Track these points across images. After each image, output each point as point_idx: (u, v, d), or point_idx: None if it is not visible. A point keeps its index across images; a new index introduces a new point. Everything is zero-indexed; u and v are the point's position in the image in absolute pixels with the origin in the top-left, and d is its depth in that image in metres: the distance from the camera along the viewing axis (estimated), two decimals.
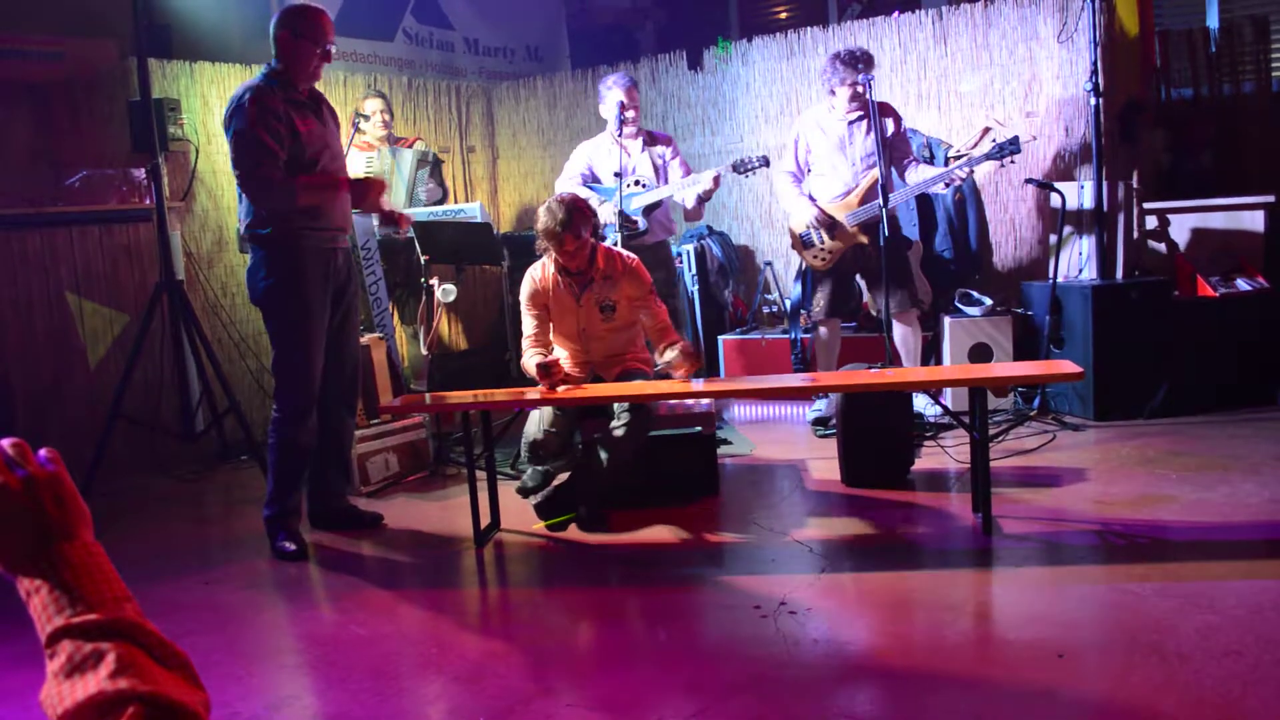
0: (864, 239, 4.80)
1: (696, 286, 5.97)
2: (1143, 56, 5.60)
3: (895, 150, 4.86)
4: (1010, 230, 5.86)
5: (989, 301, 5.23)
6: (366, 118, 5.64)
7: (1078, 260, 5.30)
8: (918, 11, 6.01)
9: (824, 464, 4.50)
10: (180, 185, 5.56)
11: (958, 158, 5.36)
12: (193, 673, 0.92)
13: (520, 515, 4.05)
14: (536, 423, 3.92)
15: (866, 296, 5.59)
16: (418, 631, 3.04)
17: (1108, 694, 2.32)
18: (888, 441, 4.12)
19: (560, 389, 3.73)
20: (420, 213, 5.56)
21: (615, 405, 3.90)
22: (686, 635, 2.88)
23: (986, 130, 5.41)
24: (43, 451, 0.98)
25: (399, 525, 4.08)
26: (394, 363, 5.09)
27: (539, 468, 4.28)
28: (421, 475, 4.81)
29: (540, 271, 4.08)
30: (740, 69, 6.63)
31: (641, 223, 4.94)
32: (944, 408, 4.02)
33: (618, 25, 9.01)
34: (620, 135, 4.97)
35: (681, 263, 5.87)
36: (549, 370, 3.75)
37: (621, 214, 4.82)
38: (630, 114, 4.98)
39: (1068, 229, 5.26)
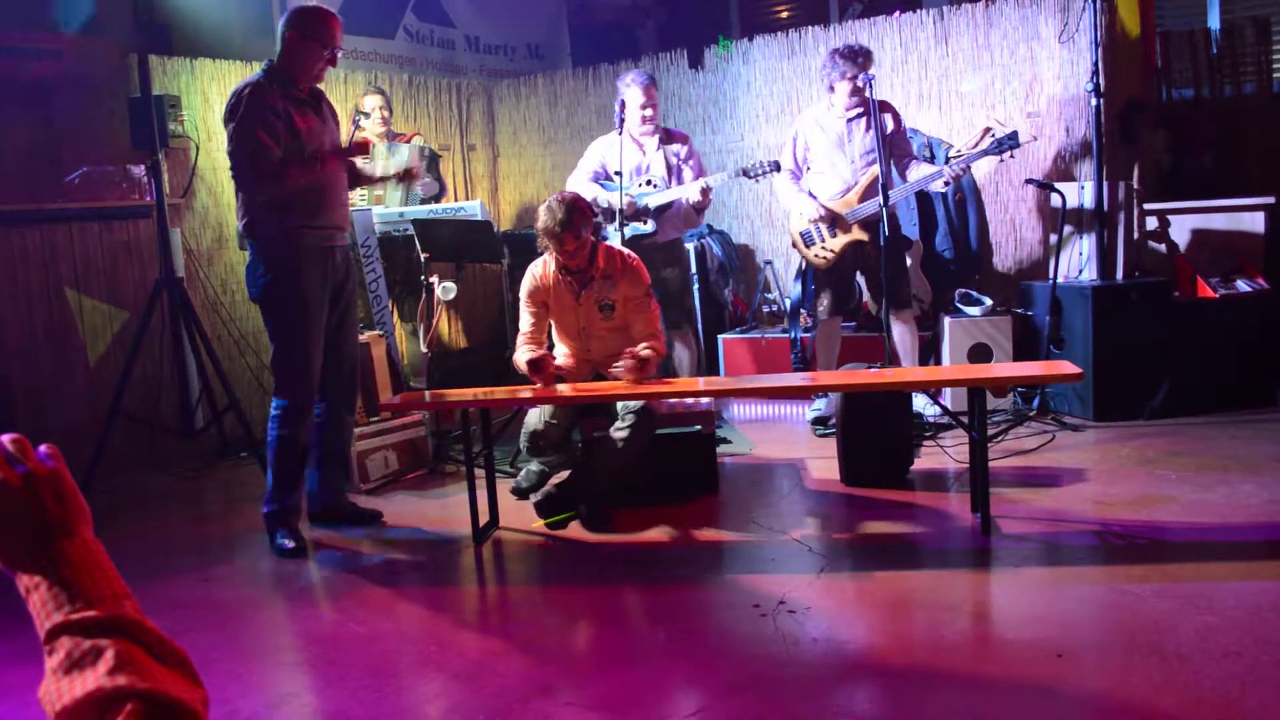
0: (864, 236, 4.80)
1: (697, 285, 5.97)
2: (1144, 57, 5.60)
3: (895, 148, 4.85)
4: (1010, 230, 5.86)
5: (989, 301, 5.23)
6: (367, 115, 5.63)
7: (1078, 260, 5.30)
8: (919, 11, 6.00)
9: (823, 463, 4.50)
10: (180, 182, 5.55)
11: (959, 158, 5.36)
12: (192, 670, 0.92)
13: (519, 513, 4.05)
14: (537, 414, 3.93)
15: (866, 295, 5.59)
16: (417, 629, 3.04)
17: (1107, 694, 2.32)
18: (887, 441, 4.12)
19: (560, 386, 3.73)
20: (420, 210, 5.56)
21: (619, 407, 3.90)
22: (686, 634, 2.88)
23: (987, 130, 5.40)
24: (43, 448, 0.98)
25: (398, 523, 4.09)
26: (394, 360, 5.08)
27: (534, 469, 4.28)
28: (421, 473, 4.81)
29: (541, 269, 4.08)
30: (741, 68, 6.63)
31: (650, 224, 4.92)
32: (943, 408, 4.03)
33: (619, 23, 9.01)
34: (620, 132, 4.96)
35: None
36: (539, 366, 3.75)
37: (634, 207, 4.82)
38: (648, 112, 4.96)
39: (1068, 229, 5.25)
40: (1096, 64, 4.99)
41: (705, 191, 4.82)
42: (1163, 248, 5.41)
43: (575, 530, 3.84)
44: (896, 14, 6.05)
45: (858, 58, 4.71)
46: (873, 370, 4.14)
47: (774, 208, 6.58)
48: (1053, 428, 4.84)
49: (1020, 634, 2.69)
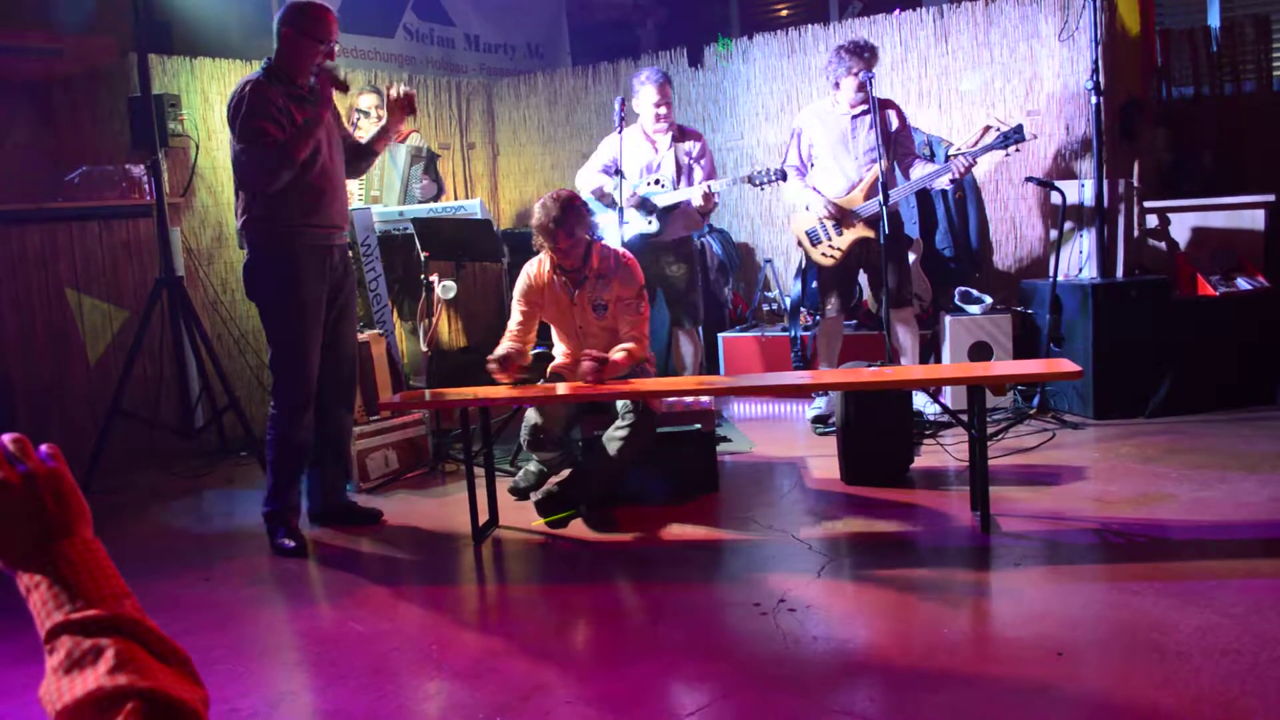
0: (870, 234, 4.79)
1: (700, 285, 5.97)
2: (1144, 55, 5.60)
3: (899, 146, 4.85)
4: (1010, 228, 5.86)
5: (989, 300, 5.23)
6: (366, 114, 5.63)
7: (1078, 259, 5.30)
8: (918, 9, 6.00)
9: (823, 462, 4.50)
10: (180, 181, 5.56)
11: (963, 153, 5.36)
12: (192, 669, 0.92)
13: (519, 512, 4.05)
14: (537, 409, 3.93)
15: (866, 294, 5.59)
16: (417, 628, 3.04)
17: (1107, 692, 2.32)
18: (887, 440, 4.12)
19: (559, 385, 3.73)
20: (420, 209, 5.55)
21: (618, 406, 3.90)
22: (686, 632, 2.88)
23: (987, 128, 5.40)
24: (43, 447, 0.98)
25: (398, 522, 4.08)
26: (393, 359, 5.08)
27: (532, 468, 4.28)
28: (421, 472, 4.81)
29: (536, 268, 4.08)
30: (741, 66, 6.63)
31: (655, 223, 4.91)
32: (943, 406, 4.02)
33: (618, 22, 9.01)
34: (619, 131, 4.96)
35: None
36: (504, 362, 3.74)
37: (643, 202, 4.82)
38: (662, 110, 4.94)
39: (1068, 227, 5.26)
40: (1096, 62, 4.99)
41: (708, 197, 4.80)
42: (1163, 246, 5.41)
43: (575, 529, 3.84)
44: (896, 12, 6.05)
45: (863, 54, 4.70)
46: (873, 369, 4.15)
47: (774, 206, 6.58)
48: (1053, 426, 4.84)
49: (1020, 632, 2.69)
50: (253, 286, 3.76)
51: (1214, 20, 6.38)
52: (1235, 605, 2.70)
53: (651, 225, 4.92)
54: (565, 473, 4.08)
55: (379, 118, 5.75)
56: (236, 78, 5.71)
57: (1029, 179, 5.34)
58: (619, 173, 4.87)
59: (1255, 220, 5.24)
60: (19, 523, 0.93)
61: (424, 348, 5.12)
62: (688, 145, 5.01)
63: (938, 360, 5.32)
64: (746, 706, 2.38)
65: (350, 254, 4.10)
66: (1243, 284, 5.05)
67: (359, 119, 5.56)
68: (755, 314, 6.54)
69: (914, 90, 5.97)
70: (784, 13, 8.82)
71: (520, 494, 4.25)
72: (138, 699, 0.84)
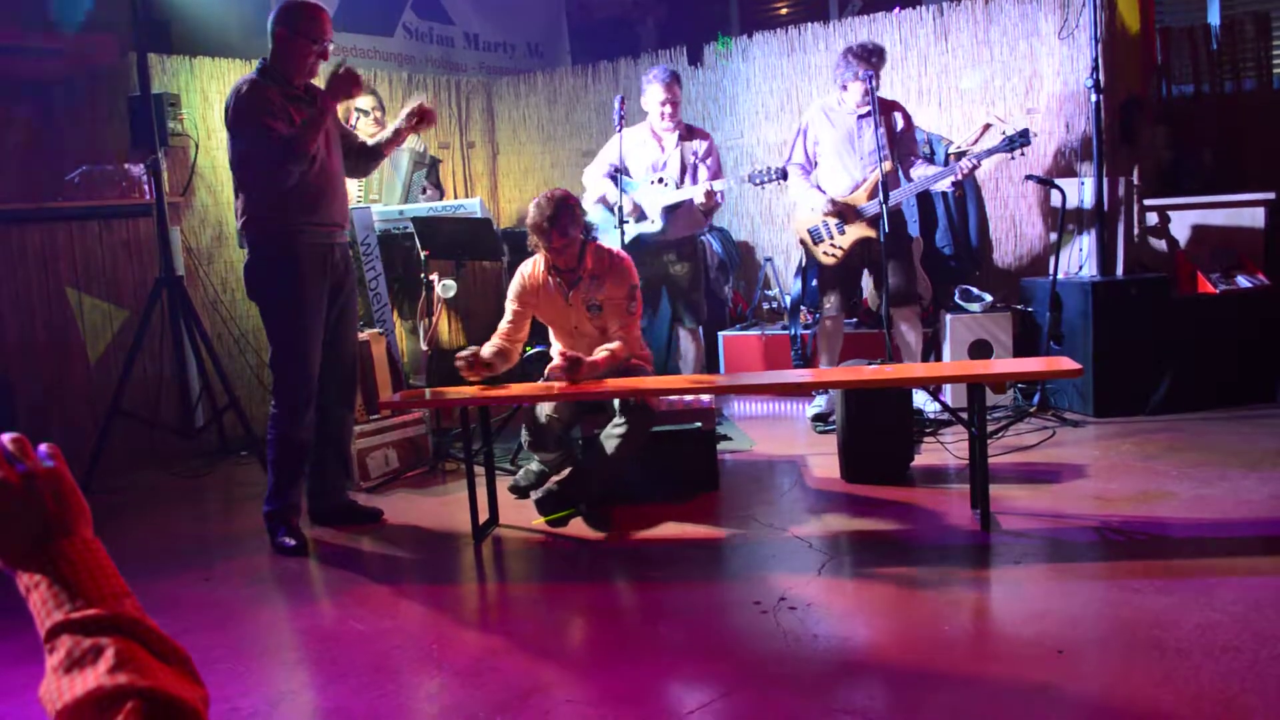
0: (873, 233, 4.79)
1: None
2: (1144, 53, 5.59)
3: (903, 147, 4.85)
4: (1010, 227, 5.86)
5: (989, 298, 5.23)
6: (365, 113, 5.62)
7: (1078, 257, 5.30)
8: (918, 7, 6.00)
9: (824, 460, 4.50)
10: (180, 180, 5.55)
11: (959, 154, 5.36)
12: (192, 668, 0.92)
13: (519, 511, 4.05)
14: (540, 407, 3.93)
15: (867, 292, 5.59)
16: (417, 627, 3.04)
17: (1107, 690, 2.32)
18: (887, 438, 4.12)
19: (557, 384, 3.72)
20: (420, 208, 5.55)
21: (616, 404, 3.90)
22: (686, 631, 2.89)
23: (987, 126, 5.40)
24: (43, 447, 0.98)
25: (398, 521, 4.09)
26: (394, 358, 5.09)
27: (533, 467, 4.28)
28: (421, 471, 4.81)
29: (531, 268, 4.08)
30: (740, 65, 6.63)
31: (658, 223, 4.90)
32: (943, 404, 4.02)
33: (618, 21, 9.00)
34: (619, 129, 4.95)
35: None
36: (469, 361, 3.73)
37: (638, 210, 4.82)
38: (668, 109, 4.91)
39: (1068, 225, 5.25)
40: (1096, 60, 4.98)
41: (709, 195, 4.79)
42: (1163, 244, 5.40)
43: (574, 527, 3.84)
44: (896, 10, 6.05)
45: (871, 58, 4.70)
46: (873, 367, 4.15)
47: (774, 205, 6.58)
48: (1053, 423, 4.84)
49: (1020, 630, 2.70)
50: (254, 286, 3.75)
51: (1214, 18, 6.37)
52: (1235, 603, 2.70)
53: (654, 224, 4.91)
54: (565, 471, 4.08)
55: (376, 118, 5.75)
56: (236, 77, 5.72)
57: (1029, 177, 5.34)
58: (619, 173, 4.86)
59: (1255, 218, 5.24)
60: (19, 522, 0.93)
61: (424, 347, 5.12)
62: (694, 144, 5.00)
63: (938, 358, 5.32)
64: (747, 705, 2.38)
65: (350, 253, 4.10)
66: (1243, 282, 5.05)
67: (357, 119, 5.55)
68: (755, 312, 6.54)
69: (914, 88, 5.97)
70: (784, 11, 8.81)
71: (520, 493, 4.25)
72: (138, 698, 0.84)
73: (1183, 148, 5.74)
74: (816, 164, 4.98)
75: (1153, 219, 5.41)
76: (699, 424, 4.21)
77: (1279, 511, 3.45)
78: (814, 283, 5.29)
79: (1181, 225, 5.36)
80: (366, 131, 5.69)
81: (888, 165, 4.63)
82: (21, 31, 5.50)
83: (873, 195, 4.72)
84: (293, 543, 3.74)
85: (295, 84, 3.66)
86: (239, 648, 2.93)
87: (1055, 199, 5.25)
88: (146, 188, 5.26)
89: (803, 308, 5.79)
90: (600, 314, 4.00)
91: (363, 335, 4.57)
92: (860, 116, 4.83)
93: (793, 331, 5.81)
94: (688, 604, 3.09)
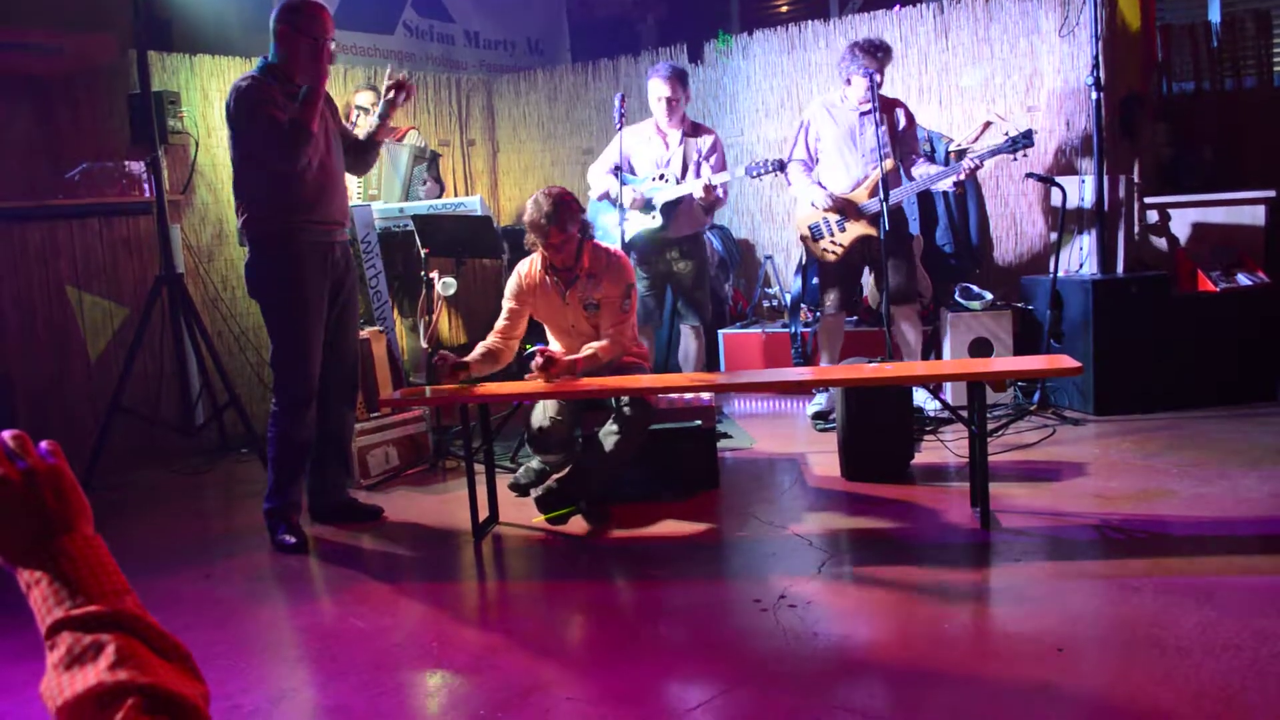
0: (873, 231, 4.78)
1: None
2: (1144, 51, 5.59)
3: (904, 145, 4.84)
4: (1011, 225, 5.86)
5: (989, 296, 5.23)
6: (365, 110, 5.63)
7: (1078, 255, 5.30)
8: (919, 5, 5.99)
9: (824, 458, 4.50)
10: (180, 178, 5.55)
11: (959, 152, 5.36)
12: (193, 665, 0.92)
13: (519, 509, 4.05)
14: (541, 411, 3.93)
15: (868, 290, 5.59)
16: (417, 624, 3.04)
17: (1107, 688, 2.32)
18: (887, 436, 4.12)
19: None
20: (420, 206, 5.55)
21: (613, 403, 3.90)
22: (686, 629, 2.89)
23: (988, 124, 5.40)
24: (43, 444, 0.98)
25: (399, 518, 4.09)
26: (394, 356, 5.09)
27: (534, 465, 4.28)
28: (421, 468, 4.82)
29: (528, 268, 4.07)
30: (741, 62, 6.62)
31: (658, 220, 4.89)
32: (943, 402, 4.02)
33: (619, 18, 9.00)
34: (620, 127, 4.95)
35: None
36: (443, 363, 3.72)
37: (646, 203, 4.81)
38: (665, 104, 4.90)
39: (1068, 224, 5.25)
40: (1097, 58, 4.98)
41: (708, 190, 4.76)
42: (1163, 242, 5.40)
43: (575, 525, 3.84)
44: (896, 8, 6.04)
45: (877, 53, 4.69)
46: (873, 365, 4.14)
47: (774, 203, 6.58)
48: (1053, 422, 4.84)
49: (1020, 628, 2.70)
50: (254, 284, 3.75)
51: (1214, 15, 6.37)
52: (1236, 601, 2.70)
53: (655, 220, 4.90)
54: (565, 469, 4.08)
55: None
56: (236, 74, 5.72)
57: (1029, 175, 5.34)
58: (619, 170, 4.86)
59: (1256, 216, 5.24)
60: (19, 519, 0.93)
61: (424, 344, 5.11)
62: (699, 141, 4.98)
63: (938, 356, 5.32)
64: (747, 703, 2.38)
65: (351, 251, 4.10)
66: (1243, 280, 5.05)
67: (358, 116, 5.55)
68: (756, 310, 6.54)
69: (914, 86, 5.97)
70: (784, 8, 8.81)
71: (520, 490, 4.25)
72: (138, 694, 0.84)
73: (1183, 145, 5.74)
74: (818, 160, 4.97)
75: (1153, 217, 5.41)
76: (699, 422, 4.21)
77: (1279, 510, 3.45)
78: (814, 280, 5.28)
79: (1182, 223, 5.36)
80: (367, 129, 5.69)
81: (889, 163, 4.63)
82: (22, 29, 5.50)
83: (873, 193, 4.71)
84: (293, 540, 3.74)
85: (297, 82, 3.65)
86: (239, 645, 2.94)
87: (1056, 197, 5.25)
88: (147, 185, 5.26)
89: (803, 305, 5.79)
90: (597, 312, 4.00)
91: (363, 333, 4.58)
92: (862, 113, 4.82)
93: (793, 329, 5.81)
94: (688, 602, 3.09)
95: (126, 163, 5.40)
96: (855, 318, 5.59)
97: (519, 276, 4.07)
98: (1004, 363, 4.62)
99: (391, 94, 3.89)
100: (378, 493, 4.47)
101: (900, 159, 4.84)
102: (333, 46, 3.68)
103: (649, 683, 2.55)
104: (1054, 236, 5.25)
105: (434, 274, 5.12)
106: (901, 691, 2.44)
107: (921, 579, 3.12)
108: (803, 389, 5.51)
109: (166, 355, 5.24)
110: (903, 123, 4.83)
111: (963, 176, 4.63)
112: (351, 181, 5.26)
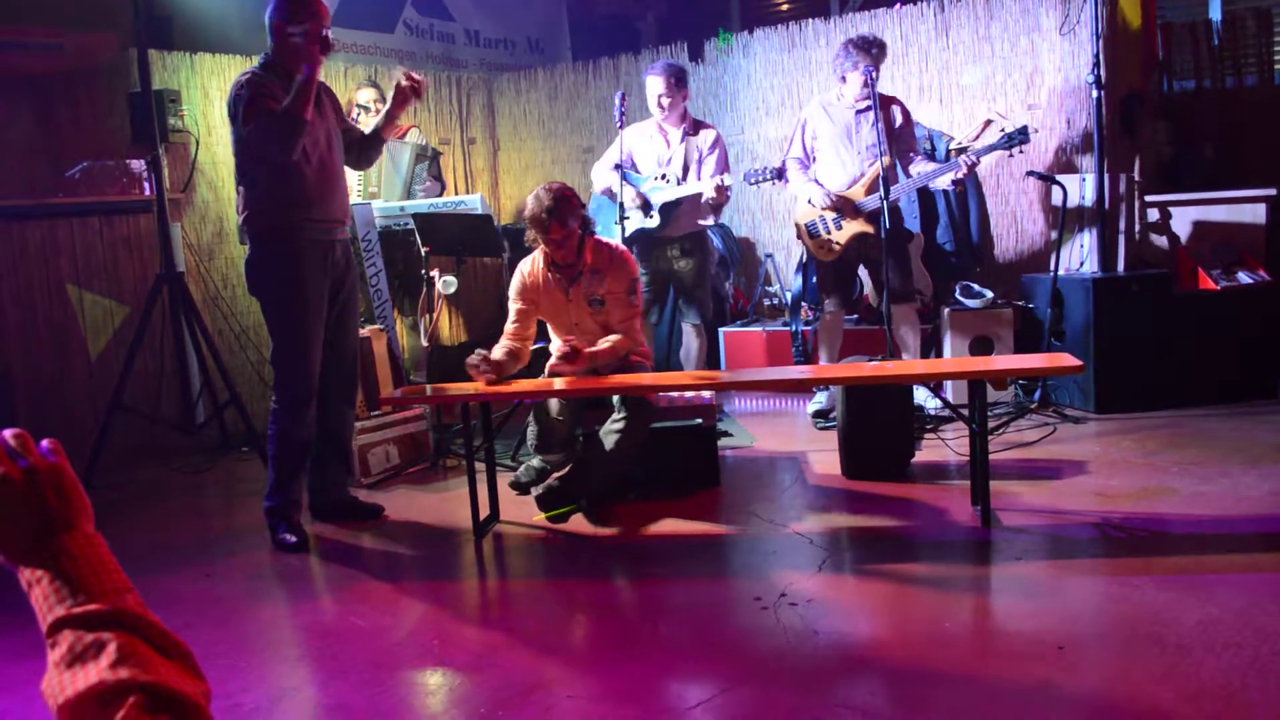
0: (870, 229, 4.78)
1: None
2: (1145, 49, 5.59)
3: (900, 143, 4.84)
4: (1011, 223, 5.85)
5: (990, 294, 5.23)
6: (366, 109, 5.62)
7: (1079, 253, 5.30)
8: (919, 3, 5.99)
9: (824, 456, 4.50)
10: (180, 177, 5.55)
11: (959, 150, 5.36)
12: (194, 663, 0.92)
13: (519, 507, 4.05)
14: (551, 403, 3.92)
15: (868, 289, 5.58)
16: (418, 623, 3.04)
17: (1108, 686, 2.32)
18: (888, 434, 4.12)
19: (556, 382, 3.72)
20: (421, 204, 5.55)
21: (614, 400, 3.90)
22: (687, 627, 2.89)
23: (988, 123, 5.40)
24: (44, 442, 0.98)
25: (399, 517, 4.09)
26: (394, 354, 5.09)
27: (534, 464, 4.28)
28: (422, 467, 4.81)
29: (530, 266, 4.07)
30: (741, 61, 6.62)
31: (656, 220, 4.88)
32: (944, 400, 4.02)
33: (619, 17, 9.00)
34: (620, 126, 4.95)
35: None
36: (476, 366, 3.71)
37: (645, 203, 4.81)
38: (664, 102, 4.87)
39: (1069, 222, 5.25)
40: (1097, 56, 4.98)
41: (720, 189, 4.70)
42: (1164, 240, 5.40)
43: (576, 524, 3.84)
44: (897, 6, 6.04)
45: (871, 49, 4.68)
46: (874, 363, 4.14)
47: (775, 201, 6.58)
48: (1054, 420, 4.84)
49: (1021, 626, 2.70)
50: (255, 282, 3.75)
51: (1215, 13, 6.37)
52: (1236, 599, 2.70)
53: (652, 220, 4.90)
54: (566, 468, 4.09)
55: (378, 112, 5.74)
56: (236, 73, 5.70)
57: (1030, 173, 5.34)
58: (618, 167, 4.85)
59: (1256, 214, 5.23)
60: (20, 517, 0.93)
61: (424, 343, 5.12)
62: (700, 140, 4.97)
63: (938, 354, 5.32)
64: (748, 701, 2.39)
65: (351, 249, 4.10)
66: (1244, 278, 5.05)
67: (359, 114, 5.55)
68: (756, 309, 6.53)
69: (914, 84, 5.96)
70: (784, 7, 8.81)
71: (521, 489, 4.25)
72: (139, 692, 0.84)
73: (1184, 143, 5.73)
74: (815, 159, 4.97)
75: (1154, 215, 5.40)
76: (700, 420, 4.21)
77: (1279, 508, 3.45)
78: (814, 279, 5.28)
79: (1183, 221, 5.36)
80: (371, 126, 5.69)
81: (886, 160, 4.62)
82: (22, 27, 5.50)
83: (871, 190, 4.71)
84: (293, 539, 3.74)
85: (293, 74, 3.64)
86: (240, 643, 2.94)
87: (1056, 195, 5.24)
88: (147, 184, 5.26)
89: (803, 304, 5.78)
90: (601, 309, 3.99)
91: (363, 331, 4.57)
92: (858, 111, 4.82)
93: (793, 328, 5.81)
94: (688, 600, 3.09)
95: (127, 161, 5.40)
96: (855, 316, 5.59)
97: (522, 275, 4.07)
98: (1005, 361, 4.62)
99: (404, 93, 3.82)
100: (378, 491, 4.47)
101: (897, 156, 4.84)
102: (329, 35, 3.65)
103: (650, 681, 2.55)
104: (1055, 235, 5.25)
105: (434, 272, 5.13)
106: (902, 689, 2.44)
107: (922, 577, 3.12)
108: (803, 387, 5.50)
109: (167, 354, 5.24)
110: (899, 120, 4.83)
111: (960, 174, 4.62)
112: (352, 179, 5.26)
